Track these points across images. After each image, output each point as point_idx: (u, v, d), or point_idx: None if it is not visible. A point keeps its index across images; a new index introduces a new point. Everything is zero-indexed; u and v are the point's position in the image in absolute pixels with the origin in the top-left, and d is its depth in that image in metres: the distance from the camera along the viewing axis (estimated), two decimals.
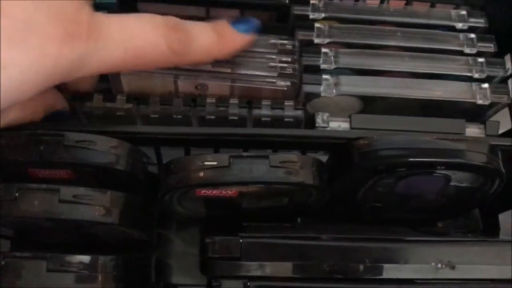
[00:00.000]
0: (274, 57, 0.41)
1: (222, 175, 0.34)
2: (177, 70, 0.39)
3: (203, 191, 0.36)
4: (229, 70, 0.39)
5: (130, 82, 0.40)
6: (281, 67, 0.40)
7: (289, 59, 0.41)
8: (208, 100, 0.40)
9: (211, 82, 0.39)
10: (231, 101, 0.41)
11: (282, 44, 0.42)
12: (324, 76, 0.42)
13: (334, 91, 0.42)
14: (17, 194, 0.33)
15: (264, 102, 0.41)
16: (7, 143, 0.34)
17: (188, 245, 0.46)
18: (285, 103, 0.41)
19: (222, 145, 0.41)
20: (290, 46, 0.42)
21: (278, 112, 0.41)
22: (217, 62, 0.39)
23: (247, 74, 0.40)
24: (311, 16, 0.44)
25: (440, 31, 0.45)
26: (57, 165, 0.35)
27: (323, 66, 0.43)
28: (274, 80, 0.40)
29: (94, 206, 0.34)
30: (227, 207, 0.40)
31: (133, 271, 0.37)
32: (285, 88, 0.40)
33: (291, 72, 0.40)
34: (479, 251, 0.37)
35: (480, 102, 0.43)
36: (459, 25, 0.45)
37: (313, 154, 0.42)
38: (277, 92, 0.41)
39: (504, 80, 0.45)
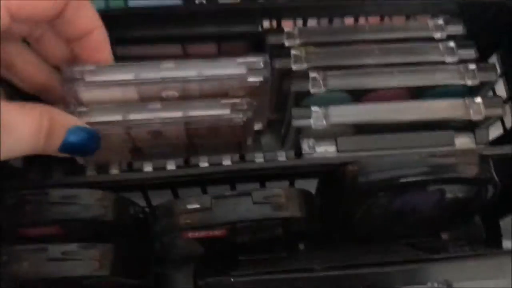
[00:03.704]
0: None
1: (206, 217, 0.35)
2: (125, 121, 0.37)
3: (190, 234, 0.36)
4: (180, 114, 0.37)
5: None
6: (233, 103, 0.38)
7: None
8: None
9: (163, 128, 0.38)
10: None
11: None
12: (313, 109, 0.42)
13: (324, 122, 0.42)
14: (5, 257, 0.33)
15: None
16: None
17: (189, 283, 0.46)
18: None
19: (209, 183, 0.41)
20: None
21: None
22: (167, 106, 0.37)
23: (199, 115, 0.38)
24: (286, 44, 0.44)
25: (418, 44, 0.45)
26: (45, 223, 0.35)
27: (313, 91, 0.43)
28: (228, 117, 0.38)
29: (84, 261, 0.34)
30: (221, 243, 0.40)
31: None
32: (241, 124, 0.38)
33: (245, 107, 0.38)
34: (477, 265, 0.36)
35: (474, 118, 0.42)
36: (438, 35, 0.45)
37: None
38: (235, 127, 0.39)
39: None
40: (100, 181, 0.38)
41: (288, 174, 0.42)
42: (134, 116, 0.37)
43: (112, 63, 0.37)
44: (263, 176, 0.41)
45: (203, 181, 0.40)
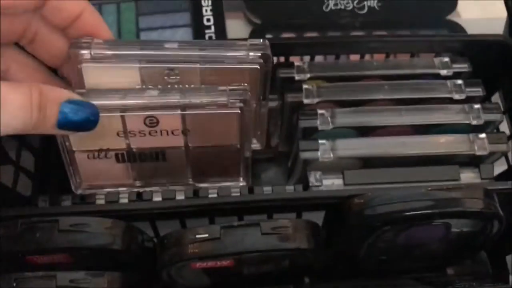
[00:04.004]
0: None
1: (214, 247, 0.35)
2: (122, 102, 0.37)
3: (198, 264, 0.36)
4: (177, 98, 0.37)
5: None
6: (231, 90, 0.37)
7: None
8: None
9: (159, 112, 0.37)
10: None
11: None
12: (320, 142, 0.43)
13: (331, 155, 0.43)
14: (14, 284, 0.33)
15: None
16: (4, 233, 0.35)
17: None
18: None
19: (217, 213, 0.41)
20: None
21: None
22: (165, 91, 0.37)
23: (197, 101, 0.37)
24: (296, 78, 0.45)
25: (427, 81, 0.46)
26: (54, 251, 0.35)
27: (321, 128, 0.43)
28: (225, 103, 0.37)
29: None
30: (228, 275, 0.40)
31: None
32: (238, 111, 0.38)
33: (242, 94, 0.37)
34: None
35: (479, 153, 0.43)
36: (444, 72, 0.46)
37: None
38: (231, 117, 0.39)
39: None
40: (109, 210, 0.38)
41: (295, 206, 0.42)
42: (131, 98, 0.37)
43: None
44: (270, 208, 0.41)
45: (211, 212, 0.41)
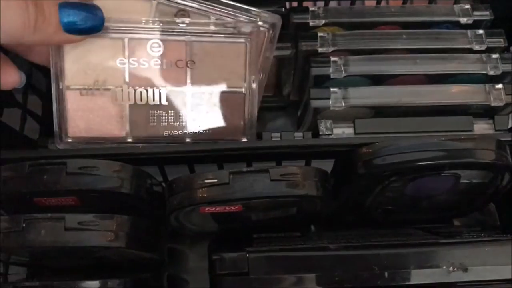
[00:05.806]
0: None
1: (223, 192, 0.34)
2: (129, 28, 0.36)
3: (206, 209, 0.36)
4: (185, 25, 0.36)
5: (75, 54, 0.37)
6: (239, 22, 0.37)
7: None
8: None
9: (164, 38, 0.37)
10: None
11: None
12: (332, 89, 0.42)
13: (343, 103, 0.42)
14: (24, 225, 0.33)
15: None
16: (12, 175, 0.35)
17: (203, 259, 0.46)
18: None
19: (225, 160, 0.41)
20: None
21: None
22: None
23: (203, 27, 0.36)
24: (311, 24, 0.44)
25: (446, 30, 0.44)
26: (62, 193, 0.35)
27: (333, 76, 0.42)
28: (232, 31, 0.36)
29: (100, 232, 0.34)
30: (236, 220, 0.41)
31: None
32: (245, 40, 0.37)
33: (250, 24, 0.37)
34: (492, 251, 0.36)
35: (494, 104, 0.42)
36: (464, 20, 0.45)
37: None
38: (237, 48, 0.37)
39: None
40: (118, 153, 0.38)
41: (304, 154, 0.42)
42: (138, 23, 0.36)
43: None
44: (279, 155, 0.41)
45: (219, 158, 0.40)
